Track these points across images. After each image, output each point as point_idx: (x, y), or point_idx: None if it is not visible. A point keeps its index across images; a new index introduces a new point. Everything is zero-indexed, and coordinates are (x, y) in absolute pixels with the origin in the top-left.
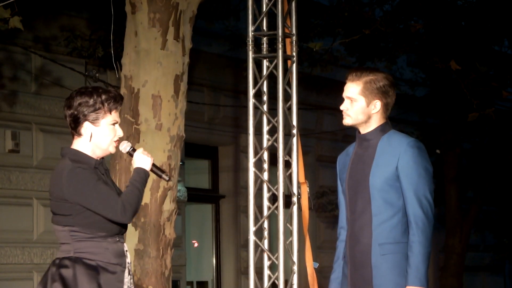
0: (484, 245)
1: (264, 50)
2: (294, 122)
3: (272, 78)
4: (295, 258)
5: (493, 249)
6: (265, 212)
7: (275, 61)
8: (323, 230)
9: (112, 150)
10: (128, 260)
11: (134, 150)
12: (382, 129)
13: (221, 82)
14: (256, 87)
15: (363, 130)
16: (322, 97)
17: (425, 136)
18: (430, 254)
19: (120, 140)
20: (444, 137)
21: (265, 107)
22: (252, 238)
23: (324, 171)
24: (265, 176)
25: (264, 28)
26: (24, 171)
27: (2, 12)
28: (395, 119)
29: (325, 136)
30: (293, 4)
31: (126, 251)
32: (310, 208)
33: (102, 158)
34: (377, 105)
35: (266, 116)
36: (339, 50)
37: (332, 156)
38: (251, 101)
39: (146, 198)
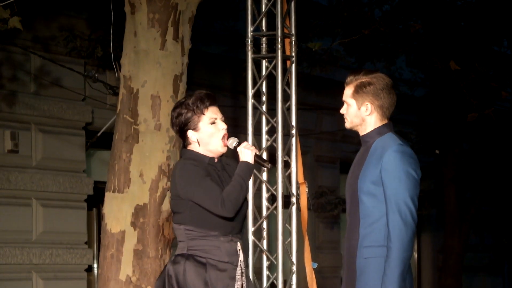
0: (483, 246)
1: (263, 50)
2: (293, 122)
3: (271, 79)
4: (294, 259)
5: (492, 249)
6: (264, 213)
7: (274, 61)
8: (322, 230)
9: (222, 149)
10: (241, 258)
11: (239, 144)
12: (379, 132)
13: (220, 83)
14: (255, 88)
15: (361, 132)
16: (321, 98)
17: (424, 137)
18: (407, 259)
19: (227, 134)
20: (443, 137)
21: (264, 108)
22: (251, 238)
23: (323, 171)
24: (264, 176)
25: (263, 28)
26: (23, 171)
27: (2, 12)
28: (394, 119)
29: (324, 137)
30: (292, 4)
31: (239, 250)
32: (309, 208)
33: (221, 156)
34: (369, 107)
35: (265, 116)
36: (339, 50)
37: (331, 157)
38: (250, 102)
39: (145, 199)
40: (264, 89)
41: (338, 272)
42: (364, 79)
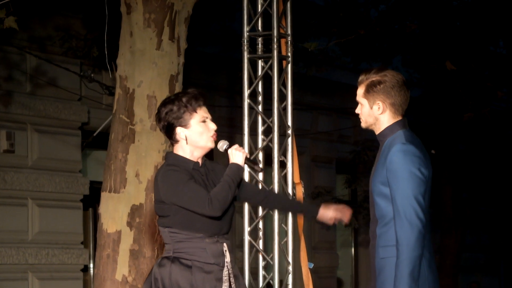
0: (479, 246)
1: (259, 50)
2: (289, 123)
3: (267, 79)
4: (290, 259)
5: (488, 249)
6: (260, 213)
7: (270, 61)
8: (318, 230)
9: (211, 145)
10: (227, 259)
11: (229, 147)
12: (390, 130)
13: (216, 83)
14: (251, 88)
15: (376, 131)
16: (317, 98)
17: (420, 137)
18: (416, 258)
19: (217, 134)
20: (439, 137)
21: (260, 108)
22: (247, 238)
23: (319, 171)
24: (260, 176)
25: (259, 28)
26: (19, 171)
27: None
28: None
29: (320, 137)
30: (288, 4)
31: (226, 250)
32: None
33: (205, 159)
34: (381, 106)
35: (261, 116)
36: (334, 51)
37: (327, 157)
38: (246, 102)
39: (141, 199)
40: (260, 89)
41: (334, 272)
42: (374, 77)
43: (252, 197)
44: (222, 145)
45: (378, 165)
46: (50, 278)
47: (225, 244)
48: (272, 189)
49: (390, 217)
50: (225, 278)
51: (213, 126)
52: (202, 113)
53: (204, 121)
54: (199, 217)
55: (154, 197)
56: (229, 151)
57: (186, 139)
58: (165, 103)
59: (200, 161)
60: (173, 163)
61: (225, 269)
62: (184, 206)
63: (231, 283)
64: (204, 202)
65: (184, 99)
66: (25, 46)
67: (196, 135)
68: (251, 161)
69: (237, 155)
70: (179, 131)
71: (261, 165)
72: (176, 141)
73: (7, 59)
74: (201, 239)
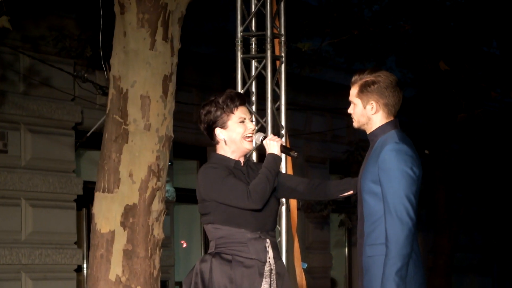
0: (473, 246)
1: (253, 50)
2: (283, 123)
3: (260, 79)
4: (283, 259)
5: (482, 249)
6: None
7: (264, 61)
8: (312, 230)
9: (247, 146)
10: (270, 255)
11: (265, 138)
12: (382, 130)
13: (209, 83)
14: (245, 88)
15: (368, 131)
16: (311, 98)
17: (414, 137)
18: (404, 256)
19: (253, 134)
20: (432, 138)
21: (253, 108)
22: None
23: (313, 171)
24: None
25: (253, 28)
26: (13, 172)
27: None
28: None
29: (314, 137)
30: (282, 4)
31: (268, 246)
32: (298, 209)
33: (248, 158)
34: (374, 106)
35: (254, 116)
36: (328, 51)
37: (321, 157)
38: None
39: (135, 199)
40: (253, 89)
41: (328, 272)
42: (368, 78)
43: (292, 191)
44: (258, 137)
45: (368, 163)
46: (44, 278)
47: (268, 240)
48: (313, 179)
49: (379, 215)
50: (266, 274)
51: (251, 126)
52: (239, 113)
53: (242, 122)
54: (240, 212)
55: (197, 197)
56: (264, 142)
57: (225, 141)
58: (205, 104)
59: (242, 160)
60: (215, 162)
61: (267, 264)
62: (224, 202)
63: (272, 280)
64: (243, 195)
65: (220, 100)
66: (18, 46)
67: (234, 135)
68: (286, 148)
69: (272, 145)
70: (218, 132)
71: (294, 154)
72: (217, 142)
73: (0, 59)
74: (242, 234)
